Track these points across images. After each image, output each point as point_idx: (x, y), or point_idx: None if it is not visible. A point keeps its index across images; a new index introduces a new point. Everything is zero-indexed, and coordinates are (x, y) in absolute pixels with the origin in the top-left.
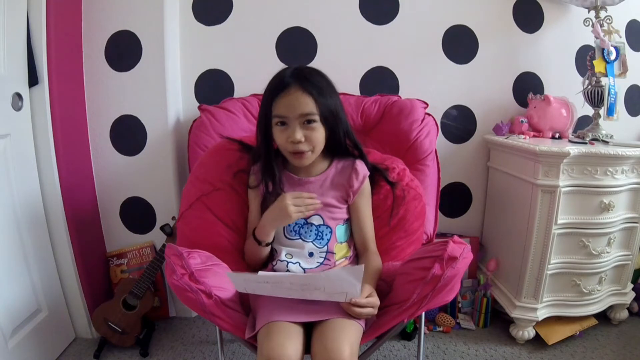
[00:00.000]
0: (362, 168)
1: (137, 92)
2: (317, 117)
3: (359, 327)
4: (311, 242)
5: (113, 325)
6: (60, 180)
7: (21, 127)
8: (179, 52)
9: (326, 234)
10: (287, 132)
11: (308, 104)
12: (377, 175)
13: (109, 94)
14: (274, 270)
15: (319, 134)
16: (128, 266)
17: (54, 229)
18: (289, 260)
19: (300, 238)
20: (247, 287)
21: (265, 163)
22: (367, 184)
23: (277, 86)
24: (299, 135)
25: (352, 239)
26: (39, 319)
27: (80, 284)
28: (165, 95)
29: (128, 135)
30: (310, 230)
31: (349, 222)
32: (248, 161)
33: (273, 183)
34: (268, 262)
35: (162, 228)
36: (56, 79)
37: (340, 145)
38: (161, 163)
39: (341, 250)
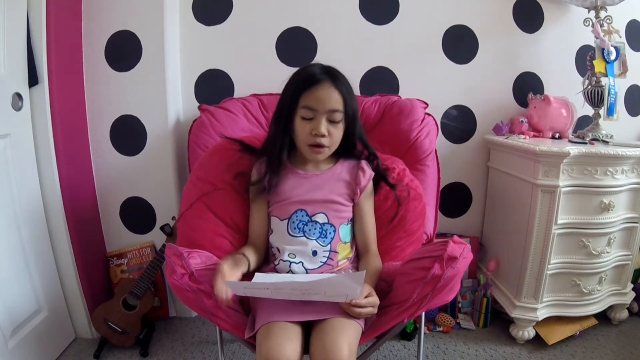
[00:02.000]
0: (367, 167)
1: (137, 92)
2: (342, 116)
3: (357, 327)
4: (315, 240)
5: (113, 325)
6: (60, 180)
7: (21, 127)
8: (179, 52)
9: (330, 233)
10: (312, 125)
11: (338, 101)
12: (378, 177)
13: (109, 94)
14: (276, 270)
15: (340, 132)
16: (128, 266)
17: (54, 229)
18: (292, 260)
19: (304, 235)
20: (246, 292)
21: (276, 153)
22: (371, 183)
23: (309, 79)
24: (324, 128)
25: (355, 240)
26: (39, 319)
27: (80, 284)
28: (165, 95)
29: (128, 135)
30: (315, 228)
31: (352, 222)
32: (248, 162)
33: (277, 173)
34: (270, 262)
35: (162, 228)
36: (56, 79)
37: (349, 147)
38: (161, 163)
39: (344, 250)
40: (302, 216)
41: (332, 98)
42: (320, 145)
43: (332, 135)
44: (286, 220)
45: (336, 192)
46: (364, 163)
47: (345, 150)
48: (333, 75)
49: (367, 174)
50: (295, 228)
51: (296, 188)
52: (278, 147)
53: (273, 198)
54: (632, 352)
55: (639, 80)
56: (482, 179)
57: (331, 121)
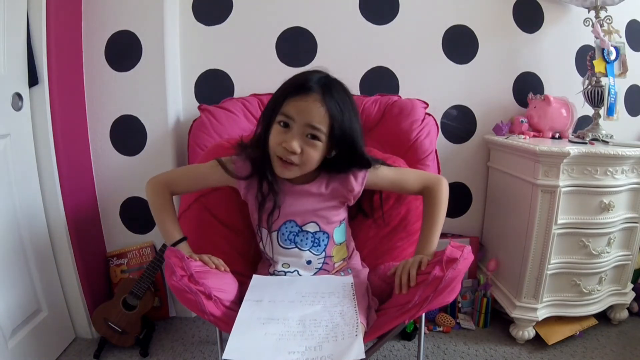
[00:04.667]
0: (359, 170)
1: (137, 92)
2: (323, 136)
3: (361, 327)
4: (308, 250)
5: (113, 325)
6: (60, 180)
7: (21, 127)
8: (179, 52)
9: (323, 240)
10: (285, 136)
11: (321, 118)
12: None
13: (109, 94)
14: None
15: (317, 153)
16: (128, 266)
17: (54, 229)
18: (286, 269)
19: (296, 247)
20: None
21: (260, 164)
22: (373, 173)
23: (299, 86)
24: (296, 144)
25: (350, 239)
26: (39, 319)
27: (80, 284)
28: (165, 95)
29: (128, 135)
30: (306, 238)
31: (345, 221)
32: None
33: (269, 187)
34: (265, 266)
35: None
36: (56, 79)
37: (339, 168)
38: (161, 163)
39: (339, 252)
40: (292, 227)
41: (315, 112)
42: (289, 162)
43: (306, 154)
44: (275, 233)
45: (326, 201)
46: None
47: (332, 169)
48: (327, 89)
49: (360, 177)
50: (285, 240)
51: (282, 199)
52: (260, 157)
53: (265, 204)
54: (632, 352)
55: (639, 80)
56: (482, 179)
57: (308, 138)
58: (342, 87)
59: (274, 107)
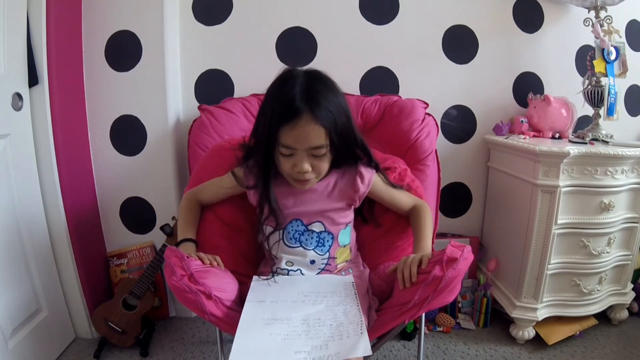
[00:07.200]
0: (366, 171)
1: (137, 92)
2: (326, 149)
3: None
4: (312, 249)
5: (113, 325)
6: (60, 180)
7: (21, 127)
8: (179, 52)
9: (328, 241)
10: (293, 161)
11: (319, 137)
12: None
13: (109, 94)
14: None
15: (326, 162)
16: (128, 266)
17: (54, 229)
18: (289, 268)
19: (301, 246)
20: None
21: (264, 184)
22: (375, 179)
23: (286, 110)
24: (307, 166)
25: (354, 242)
26: (39, 319)
27: (80, 284)
28: (165, 95)
29: (128, 135)
30: (311, 238)
31: (351, 224)
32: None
33: (270, 206)
34: (268, 264)
35: (162, 228)
36: (56, 79)
37: (344, 160)
38: (161, 163)
39: (343, 254)
40: (298, 226)
41: (312, 135)
42: (305, 179)
43: (317, 168)
44: (281, 231)
45: (334, 201)
46: (362, 167)
47: (339, 162)
48: (313, 102)
49: (367, 179)
50: (291, 238)
51: (288, 199)
52: (263, 178)
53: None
54: (632, 352)
55: (639, 80)
56: (482, 179)
57: (314, 155)
58: (322, 83)
59: (268, 132)
